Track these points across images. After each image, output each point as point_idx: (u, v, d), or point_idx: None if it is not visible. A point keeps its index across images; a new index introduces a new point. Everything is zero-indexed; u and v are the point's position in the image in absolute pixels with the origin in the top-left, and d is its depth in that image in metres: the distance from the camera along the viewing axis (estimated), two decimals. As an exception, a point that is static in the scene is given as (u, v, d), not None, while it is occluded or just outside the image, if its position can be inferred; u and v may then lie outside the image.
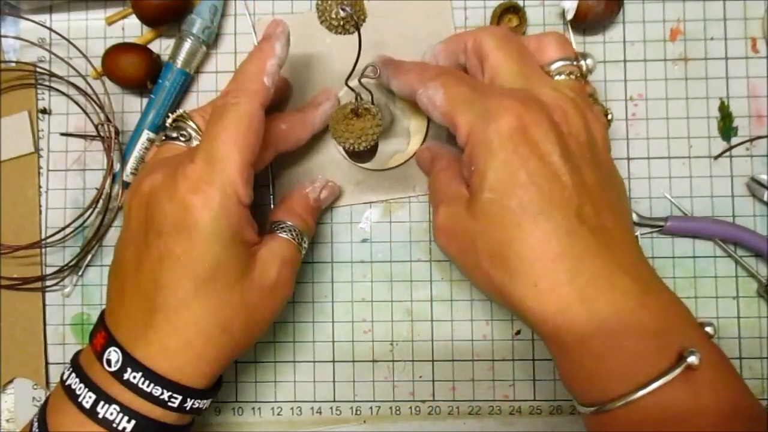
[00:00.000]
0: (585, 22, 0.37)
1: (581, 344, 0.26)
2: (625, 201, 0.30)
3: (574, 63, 0.30)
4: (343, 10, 0.27)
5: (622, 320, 0.25)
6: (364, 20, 0.28)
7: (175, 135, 0.32)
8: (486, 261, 0.27)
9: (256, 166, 0.30)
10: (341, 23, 0.27)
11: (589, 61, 0.30)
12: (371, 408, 0.38)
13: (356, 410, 0.38)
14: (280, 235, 0.32)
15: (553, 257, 0.26)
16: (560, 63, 0.30)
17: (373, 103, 0.34)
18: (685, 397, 0.24)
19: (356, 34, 0.28)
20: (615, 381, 0.25)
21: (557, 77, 0.30)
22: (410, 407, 0.38)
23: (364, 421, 0.38)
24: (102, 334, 0.29)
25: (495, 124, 0.27)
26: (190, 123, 0.32)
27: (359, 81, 0.32)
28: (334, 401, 0.38)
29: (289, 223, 0.33)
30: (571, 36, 0.38)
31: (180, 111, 0.32)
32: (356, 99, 0.32)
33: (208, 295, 0.28)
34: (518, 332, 0.38)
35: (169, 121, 0.32)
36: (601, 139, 0.29)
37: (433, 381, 0.38)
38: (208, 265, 0.27)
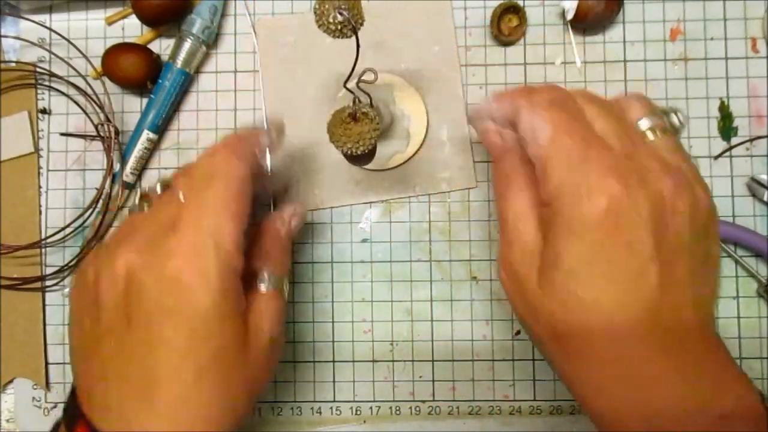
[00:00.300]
0: (585, 22, 0.37)
1: None
2: (715, 279, 0.28)
3: (663, 118, 0.28)
4: (340, 14, 0.26)
5: (677, 422, 0.24)
6: (361, 24, 0.28)
7: (145, 208, 0.29)
8: (544, 331, 0.26)
9: None
10: (339, 27, 0.27)
11: (679, 115, 0.28)
12: (371, 408, 0.38)
13: (356, 410, 0.38)
14: (263, 290, 0.29)
15: (615, 357, 0.24)
16: (648, 120, 0.28)
17: (371, 104, 0.34)
18: None
19: (354, 37, 0.28)
20: None
21: (649, 136, 0.27)
22: (410, 407, 0.38)
23: (364, 421, 0.38)
24: (83, 428, 0.25)
25: (588, 206, 0.24)
26: (157, 188, 0.29)
27: (357, 84, 0.32)
28: (334, 401, 0.38)
29: (266, 273, 0.30)
30: (572, 36, 0.38)
31: (147, 187, 0.30)
32: (354, 102, 0.32)
33: (210, 383, 0.25)
34: (518, 332, 0.38)
35: (138, 197, 0.30)
36: (706, 215, 0.26)
37: (433, 381, 0.38)
38: (209, 351, 0.25)
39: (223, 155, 0.27)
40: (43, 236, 0.39)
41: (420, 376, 0.38)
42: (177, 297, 0.24)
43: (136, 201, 0.30)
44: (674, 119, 0.28)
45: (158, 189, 0.30)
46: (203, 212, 0.26)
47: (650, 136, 0.27)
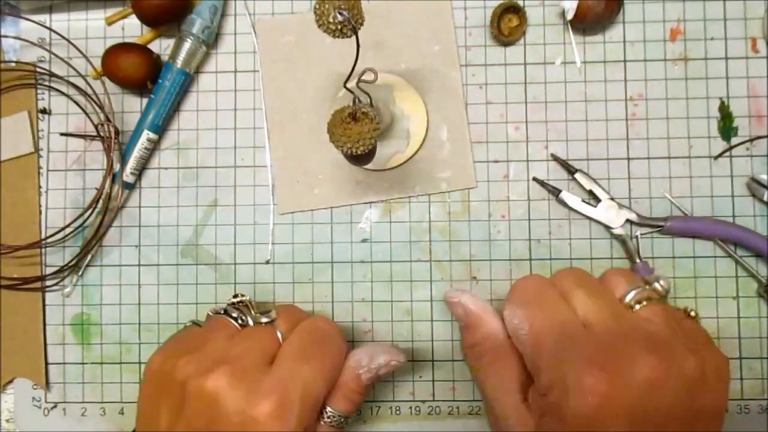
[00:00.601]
0: (585, 22, 0.37)
1: None
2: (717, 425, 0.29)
3: (647, 288, 0.30)
4: (340, 14, 0.26)
5: None
6: (361, 24, 0.28)
7: (235, 315, 0.31)
8: None
9: None
10: (339, 27, 0.27)
11: (662, 282, 0.30)
12: (371, 408, 0.38)
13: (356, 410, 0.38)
14: (325, 426, 0.31)
15: None
16: (633, 292, 0.30)
17: (371, 105, 0.34)
18: None
19: (354, 37, 0.28)
20: None
21: (637, 307, 0.29)
22: (410, 407, 0.38)
23: (364, 422, 0.38)
24: None
25: (574, 402, 0.26)
26: (262, 318, 0.32)
27: (357, 84, 0.32)
28: (334, 401, 0.38)
29: (338, 412, 0.31)
30: (572, 36, 0.38)
31: (246, 298, 0.33)
32: (354, 102, 0.32)
33: None
34: (518, 332, 0.38)
35: (235, 300, 0.33)
36: (693, 379, 0.27)
37: (433, 381, 0.38)
38: None
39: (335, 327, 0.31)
40: (43, 236, 0.39)
41: (420, 376, 0.38)
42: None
43: (225, 308, 0.32)
44: (657, 287, 0.30)
45: (262, 319, 0.32)
46: (304, 367, 0.28)
47: (637, 307, 0.29)
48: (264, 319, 0.32)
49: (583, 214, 0.38)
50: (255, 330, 0.31)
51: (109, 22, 0.40)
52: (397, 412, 0.38)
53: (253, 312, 0.32)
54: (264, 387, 0.27)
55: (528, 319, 0.29)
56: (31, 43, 0.39)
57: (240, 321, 0.31)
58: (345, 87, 0.32)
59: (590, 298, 0.29)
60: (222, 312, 0.32)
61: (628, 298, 0.30)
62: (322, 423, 0.31)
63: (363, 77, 0.32)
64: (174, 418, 0.28)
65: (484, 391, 0.32)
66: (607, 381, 0.26)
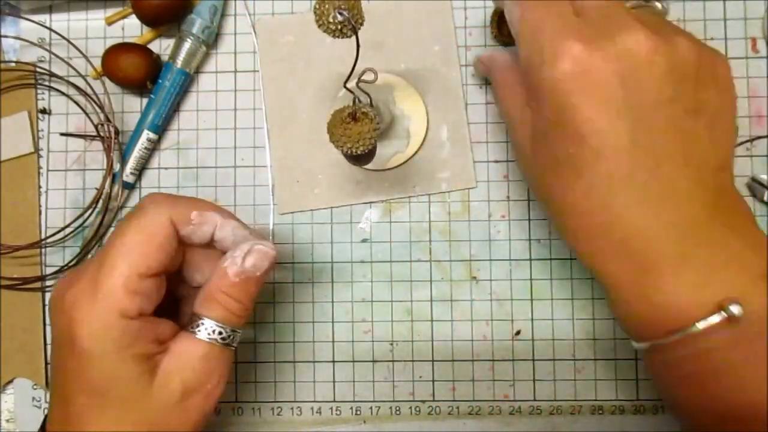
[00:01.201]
0: (585, 22, 0.37)
1: (639, 281, 0.26)
2: (723, 132, 0.27)
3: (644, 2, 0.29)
4: (340, 14, 0.26)
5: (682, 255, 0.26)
6: (361, 24, 0.28)
7: None
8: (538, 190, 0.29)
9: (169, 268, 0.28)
10: (338, 27, 0.27)
11: (663, 2, 0.29)
12: (371, 408, 0.38)
13: (356, 410, 0.38)
14: (193, 335, 0.28)
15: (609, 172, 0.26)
16: (631, 2, 0.28)
17: (371, 105, 0.34)
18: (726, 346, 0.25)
19: (354, 37, 0.28)
20: (670, 317, 0.26)
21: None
22: (410, 407, 0.38)
23: (364, 421, 0.38)
24: None
25: (550, 70, 0.25)
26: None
27: (357, 84, 0.32)
28: (334, 401, 0.38)
29: (204, 318, 0.28)
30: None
31: None
32: (354, 102, 0.32)
33: (102, 412, 0.26)
34: (518, 332, 0.38)
35: None
36: (692, 63, 0.26)
37: (433, 381, 0.38)
38: (96, 382, 0.26)
39: (148, 200, 0.28)
40: (43, 236, 0.39)
41: (420, 376, 0.38)
42: (67, 330, 0.26)
43: None
44: (657, 5, 0.29)
45: None
46: (104, 251, 0.27)
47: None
48: None
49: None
50: None
51: (109, 22, 0.40)
52: (397, 412, 0.38)
53: None
54: (73, 281, 0.27)
55: (522, 3, 0.28)
56: (31, 43, 0.39)
57: None
58: (345, 87, 0.32)
59: None
60: None
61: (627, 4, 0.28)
62: (194, 336, 0.27)
63: (363, 77, 0.32)
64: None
65: (497, 104, 0.32)
66: (583, 49, 0.25)
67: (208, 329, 0.27)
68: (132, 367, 0.26)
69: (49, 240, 0.38)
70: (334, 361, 0.38)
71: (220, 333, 0.28)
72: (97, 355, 0.26)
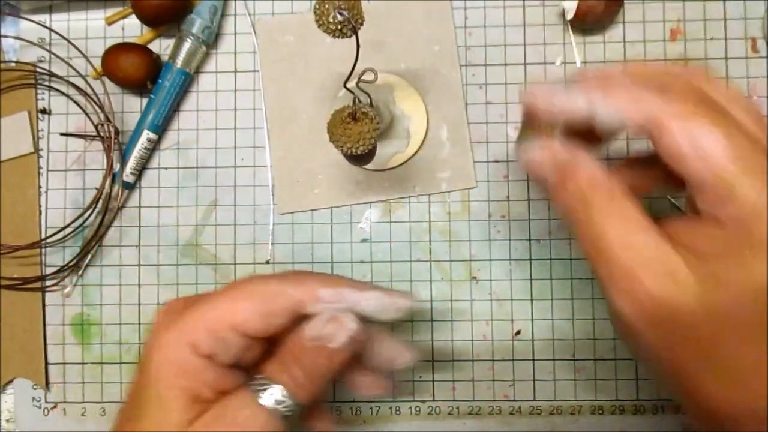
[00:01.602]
0: (585, 22, 0.37)
1: None
2: None
3: None
4: (340, 14, 0.26)
5: None
6: (361, 24, 0.28)
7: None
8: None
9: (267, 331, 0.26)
10: (338, 27, 0.27)
11: None
12: (371, 408, 0.38)
13: (356, 410, 0.38)
14: (246, 394, 0.25)
15: None
16: None
17: (371, 105, 0.34)
18: None
19: (354, 37, 0.28)
20: None
21: None
22: (410, 407, 0.38)
23: (364, 422, 0.38)
24: None
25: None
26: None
27: (357, 84, 0.32)
28: (334, 401, 0.38)
29: (265, 380, 0.25)
30: (572, 36, 0.38)
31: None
32: (354, 102, 0.32)
33: (132, 428, 0.26)
34: (518, 332, 0.38)
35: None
36: None
37: (433, 381, 0.38)
38: (142, 399, 0.25)
39: (286, 275, 0.27)
40: (43, 236, 0.39)
41: (420, 376, 0.38)
42: (145, 351, 0.26)
43: None
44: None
45: None
46: (201, 299, 0.26)
47: None
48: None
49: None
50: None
51: (109, 22, 0.40)
52: (397, 412, 0.38)
53: None
54: (164, 309, 0.27)
55: (720, 127, 0.21)
56: (31, 43, 0.39)
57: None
58: (345, 87, 0.32)
59: (738, 105, 0.23)
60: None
61: None
62: (243, 391, 0.25)
63: (363, 77, 0.32)
64: None
65: (604, 238, 0.22)
66: None
67: (265, 392, 0.25)
68: (175, 399, 0.25)
69: (49, 240, 0.38)
70: (334, 361, 0.38)
71: (279, 399, 0.25)
72: (153, 374, 0.25)
